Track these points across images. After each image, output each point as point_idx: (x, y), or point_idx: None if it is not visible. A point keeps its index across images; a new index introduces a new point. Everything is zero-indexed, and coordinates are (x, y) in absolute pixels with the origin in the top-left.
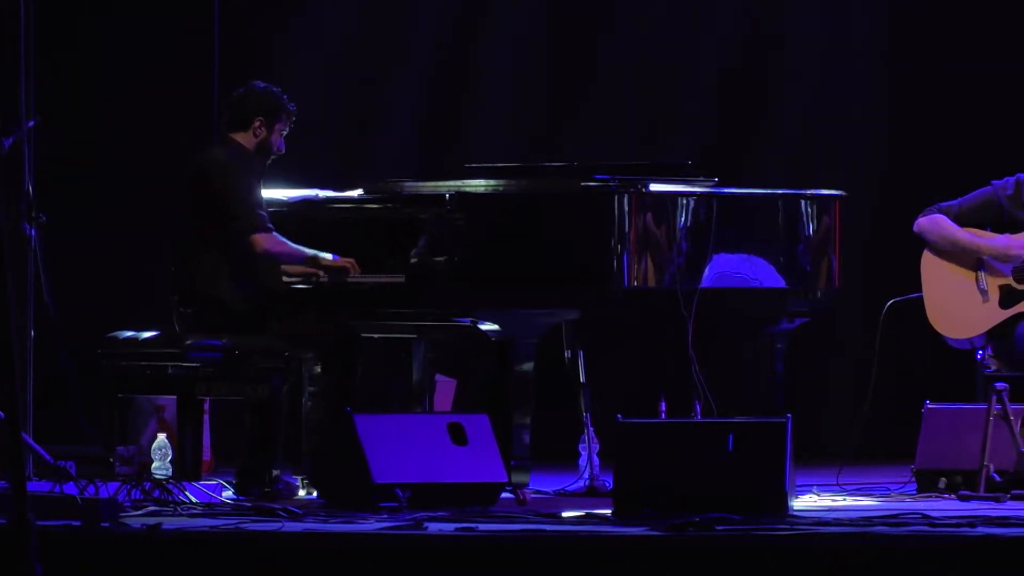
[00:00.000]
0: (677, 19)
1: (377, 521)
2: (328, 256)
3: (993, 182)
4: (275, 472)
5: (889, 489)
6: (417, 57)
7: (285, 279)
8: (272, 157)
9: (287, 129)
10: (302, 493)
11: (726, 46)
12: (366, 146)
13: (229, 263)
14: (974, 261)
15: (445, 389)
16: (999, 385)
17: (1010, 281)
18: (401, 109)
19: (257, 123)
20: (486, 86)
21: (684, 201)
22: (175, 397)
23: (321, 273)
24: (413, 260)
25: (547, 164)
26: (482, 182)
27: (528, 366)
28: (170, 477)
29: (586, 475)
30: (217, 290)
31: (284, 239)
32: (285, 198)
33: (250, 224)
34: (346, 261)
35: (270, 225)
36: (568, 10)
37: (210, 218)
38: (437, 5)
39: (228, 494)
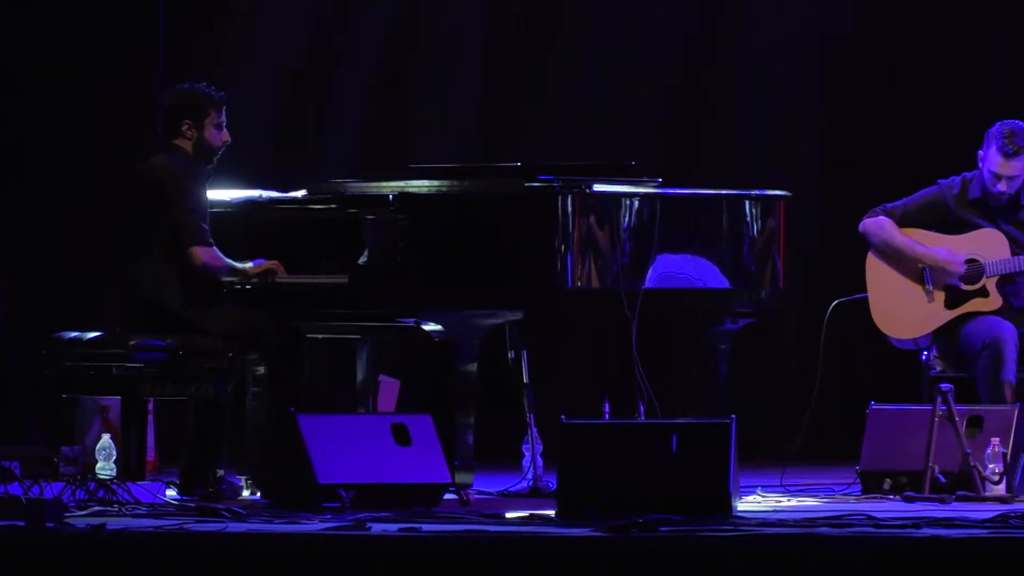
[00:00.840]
0: (622, 21)
1: (320, 521)
2: (250, 264)
3: (939, 181)
4: (219, 472)
5: (833, 490)
6: (363, 58)
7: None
8: (219, 151)
9: (223, 119)
10: (246, 493)
11: (670, 48)
12: (311, 147)
13: (174, 267)
14: (917, 263)
15: (389, 389)
16: (944, 386)
17: (957, 282)
18: (346, 110)
19: (186, 127)
20: (432, 87)
21: (628, 201)
22: (119, 398)
23: (255, 279)
24: (357, 261)
25: (491, 165)
26: (426, 183)
27: (471, 366)
28: (114, 477)
29: (530, 476)
30: (162, 293)
31: (220, 254)
32: (229, 199)
33: (191, 237)
34: (271, 263)
35: (210, 240)
36: (514, 9)
37: (156, 224)
38: (383, 6)
39: (172, 494)
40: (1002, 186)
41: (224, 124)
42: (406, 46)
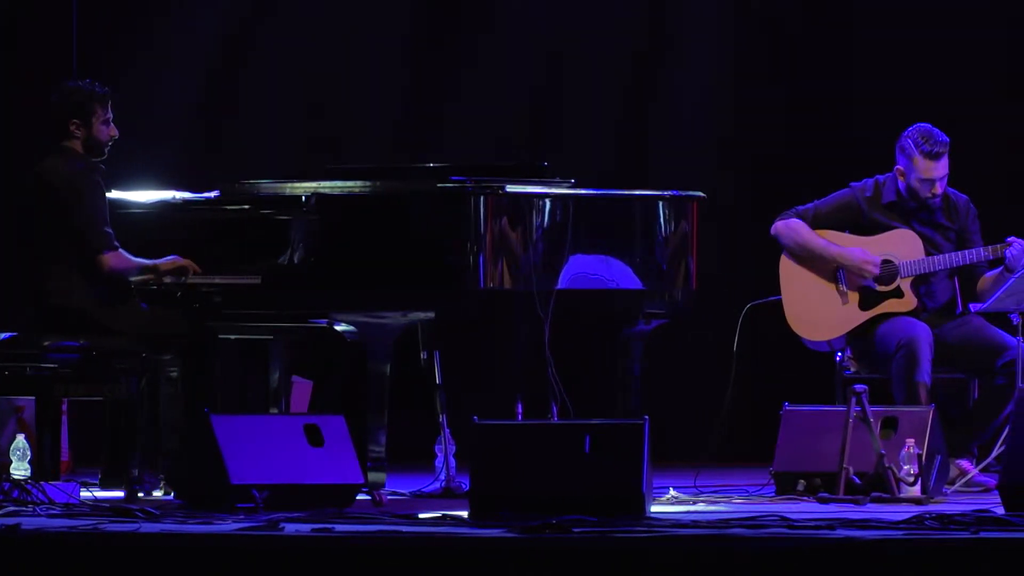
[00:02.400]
0: (551, 19)
1: (234, 522)
2: (162, 260)
3: (852, 184)
4: (135, 472)
5: (747, 491)
6: (285, 56)
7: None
8: (108, 146)
9: (109, 114)
10: (157, 493)
11: (590, 48)
12: (228, 147)
13: (83, 272)
14: (832, 264)
15: (302, 390)
16: (858, 387)
17: (871, 283)
18: (265, 109)
19: (73, 126)
20: (355, 84)
21: (540, 202)
22: (33, 398)
23: (165, 278)
24: (270, 261)
25: (404, 165)
26: (339, 184)
27: (384, 367)
28: (29, 478)
29: (442, 476)
30: (72, 299)
31: (127, 255)
32: (143, 200)
33: (97, 244)
34: (184, 261)
35: (116, 243)
36: (444, 8)
37: (59, 231)
38: (303, 3)
39: (88, 495)
40: (937, 188)
41: (111, 119)
42: (326, 44)
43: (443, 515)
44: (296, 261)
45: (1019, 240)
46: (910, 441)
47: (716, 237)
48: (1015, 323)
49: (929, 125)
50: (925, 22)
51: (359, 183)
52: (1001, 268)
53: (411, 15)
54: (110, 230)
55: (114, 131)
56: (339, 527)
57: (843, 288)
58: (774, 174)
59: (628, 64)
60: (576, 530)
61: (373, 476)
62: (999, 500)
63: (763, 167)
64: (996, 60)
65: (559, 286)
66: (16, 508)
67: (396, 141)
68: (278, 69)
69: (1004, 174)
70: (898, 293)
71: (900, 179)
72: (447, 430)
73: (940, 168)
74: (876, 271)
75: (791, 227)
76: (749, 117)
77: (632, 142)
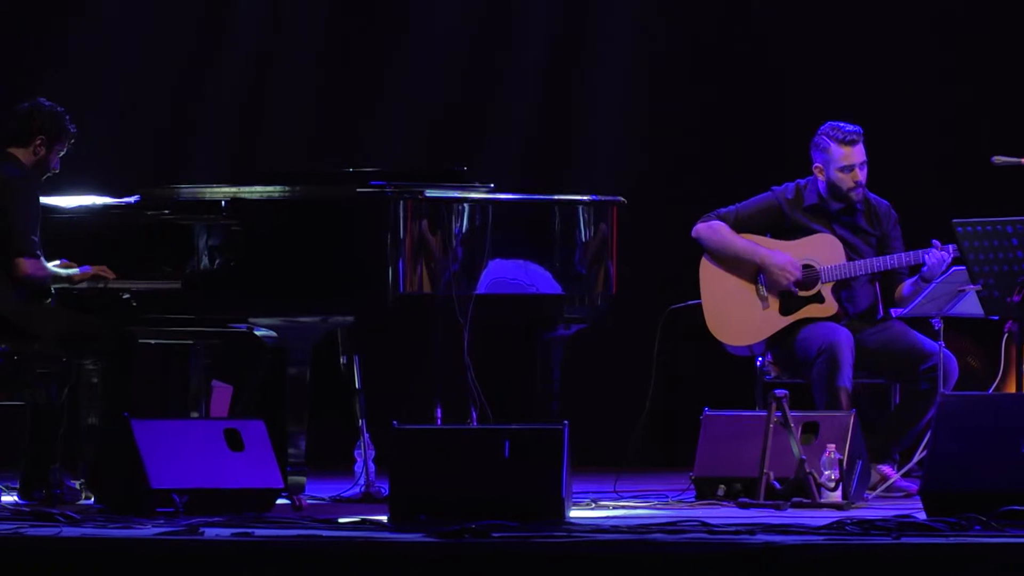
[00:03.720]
0: (471, 24)
1: (154, 526)
2: (76, 271)
3: (773, 187)
4: (57, 476)
5: (667, 496)
6: (209, 60)
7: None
8: (46, 176)
9: (64, 150)
10: (81, 498)
11: (467, 44)
12: (154, 150)
13: (4, 274)
14: (753, 268)
15: (222, 395)
16: (779, 392)
17: (791, 288)
18: (192, 114)
19: (39, 141)
20: (276, 90)
21: (460, 207)
22: None
23: (83, 284)
24: (190, 266)
25: (323, 170)
26: (259, 188)
27: (304, 372)
28: None
29: (362, 481)
30: None
31: (45, 264)
32: (65, 205)
33: (18, 247)
34: (97, 269)
35: (38, 252)
36: (362, 13)
37: None
38: (235, 7)
39: (10, 499)
40: (858, 175)
41: (61, 156)
42: (260, 45)
43: (362, 520)
44: (216, 266)
45: (936, 248)
46: (831, 446)
47: (636, 241)
48: (937, 328)
49: (839, 120)
50: (846, 29)
51: (279, 188)
52: (917, 277)
53: (326, 21)
54: (36, 239)
55: (58, 167)
56: (259, 531)
57: (764, 292)
58: (694, 177)
59: (549, 69)
60: (495, 535)
61: (293, 480)
62: (920, 505)
63: (683, 170)
64: (922, 67)
65: (478, 291)
66: None
67: (316, 146)
68: (202, 73)
69: (926, 181)
70: (819, 298)
71: (820, 177)
72: (366, 435)
73: (858, 154)
74: (798, 275)
75: (713, 229)
76: (669, 120)
77: (554, 147)
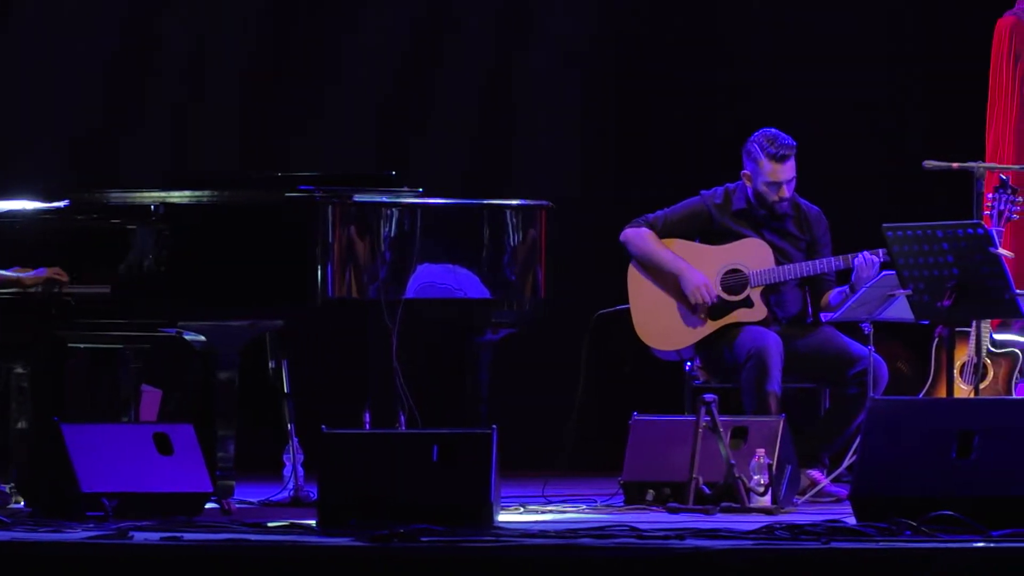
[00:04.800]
0: (407, 28)
1: (84, 530)
2: (28, 274)
3: (702, 192)
4: None
5: (596, 501)
6: (139, 62)
7: None
8: None
9: None
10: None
11: (402, 48)
12: (77, 156)
13: None
14: (675, 278)
15: (151, 399)
16: (708, 397)
17: (719, 293)
18: (118, 117)
19: None
20: (207, 93)
21: (388, 211)
22: None
23: (35, 288)
24: (119, 271)
25: (253, 174)
26: (188, 193)
27: (233, 376)
28: None
29: (291, 485)
30: None
31: None
32: None
33: None
34: (52, 271)
35: None
36: (300, 15)
37: None
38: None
39: None
40: (784, 192)
41: None
42: (195, 44)
43: (291, 524)
44: (145, 270)
45: (865, 253)
46: (760, 451)
47: (565, 245)
48: (867, 332)
49: (775, 129)
50: (781, 32)
51: (208, 192)
52: (846, 287)
53: (262, 24)
54: None
55: None
56: (188, 535)
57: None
58: (623, 181)
59: (481, 73)
60: (424, 539)
61: (222, 485)
62: (850, 510)
63: (612, 174)
64: (853, 72)
65: (407, 295)
66: None
67: (250, 152)
68: (132, 76)
69: (857, 185)
70: (748, 303)
71: (748, 184)
72: (295, 439)
73: (787, 171)
74: (710, 301)
75: (640, 236)
76: (600, 124)
77: (487, 152)
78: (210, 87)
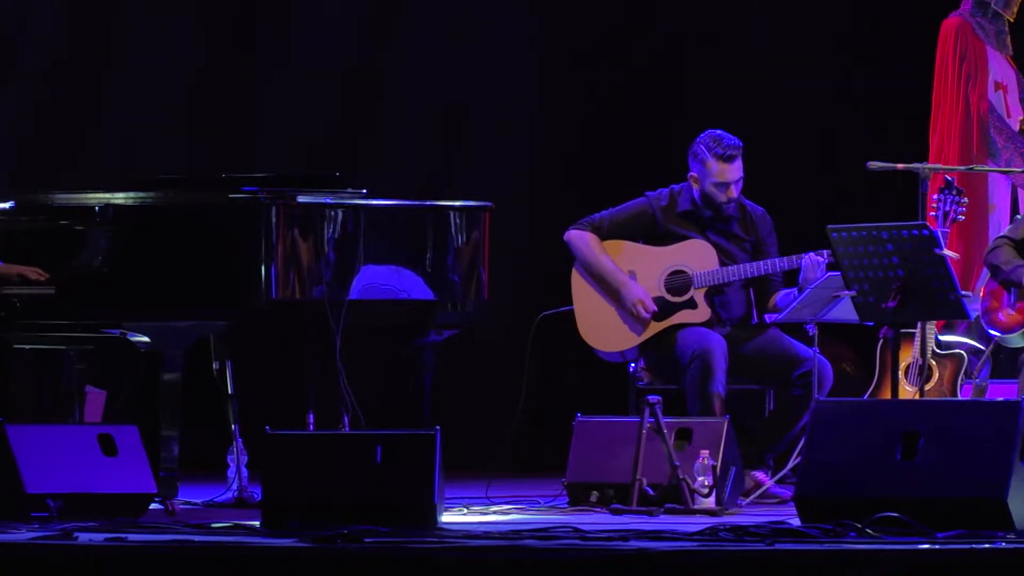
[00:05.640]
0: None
1: (28, 531)
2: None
3: (647, 193)
4: None
5: (540, 502)
6: (84, 64)
7: None
8: None
9: None
10: None
11: (350, 51)
12: (24, 158)
13: None
14: (625, 272)
15: (95, 400)
16: (652, 398)
17: (663, 294)
18: (62, 119)
19: None
20: (153, 95)
21: (332, 213)
22: None
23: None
24: (65, 271)
25: (197, 176)
26: (132, 194)
27: (177, 377)
28: None
29: (235, 486)
30: None
31: None
32: None
33: None
34: (28, 269)
35: None
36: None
37: None
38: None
39: None
40: (732, 192)
41: None
42: (123, 53)
43: (235, 525)
44: (90, 271)
45: (811, 253)
46: (704, 452)
47: (509, 246)
48: (811, 334)
49: (721, 130)
50: (726, 31)
51: (152, 194)
52: (794, 289)
53: (208, 25)
54: None
55: None
56: (132, 536)
57: None
58: (569, 182)
59: (426, 75)
60: (367, 540)
61: (166, 486)
62: (795, 512)
63: (557, 175)
64: (798, 73)
65: (351, 296)
66: None
67: (196, 154)
68: (75, 78)
69: (802, 186)
70: (692, 304)
71: (695, 186)
72: (239, 440)
73: (734, 171)
74: (646, 316)
75: (583, 240)
76: (546, 126)
77: (432, 153)
78: (156, 89)
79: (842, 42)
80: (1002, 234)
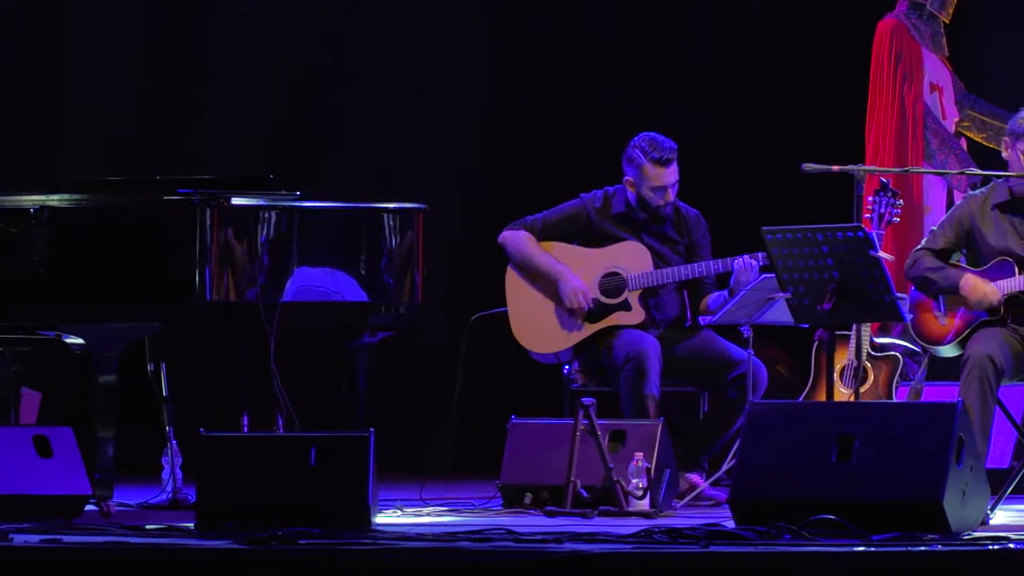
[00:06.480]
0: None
1: None
2: None
3: (582, 195)
4: None
5: (474, 504)
6: (13, 63)
7: None
8: None
9: None
10: None
11: (298, 51)
12: None
13: None
14: (555, 281)
15: (30, 402)
16: (586, 400)
17: (597, 296)
18: (5, 119)
19: None
20: (87, 98)
21: (266, 215)
22: None
23: None
24: None
25: (132, 178)
26: (68, 196)
27: (112, 379)
28: None
29: (169, 488)
30: None
31: None
32: None
33: None
34: None
35: None
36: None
37: None
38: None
39: None
40: (669, 195)
41: None
42: (58, 44)
43: (169, 526)
44: (25, 273)
45: (745, 256)
46: (639, 454)
47: (442, 248)
48: (746, 336)
49: (655, 133)
50: (658, 34)
51: (88, 196)
52: (725, 291)
53: (146, 24)
54: None
55: None
56: (67, 538)
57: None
58: (504, 183)
59: (364, 79)
60: (302, 542)
61: (101, 487)
62: (729, 514)
63: (491, 176)
64: (733, 75)
65: (284, 298)
66: None
67: (137, 155)
68: (16, 79)
69: (737, 189)
70: (626, 306)
71: (630, 190)
72: (174, 442)
73: (670, 174)
74: (586, 307)
75: (517, 239)
76: (482, 127)
77: (366, 155)
78: (96, 89)
79: (777, 42)
80: (920, 246)
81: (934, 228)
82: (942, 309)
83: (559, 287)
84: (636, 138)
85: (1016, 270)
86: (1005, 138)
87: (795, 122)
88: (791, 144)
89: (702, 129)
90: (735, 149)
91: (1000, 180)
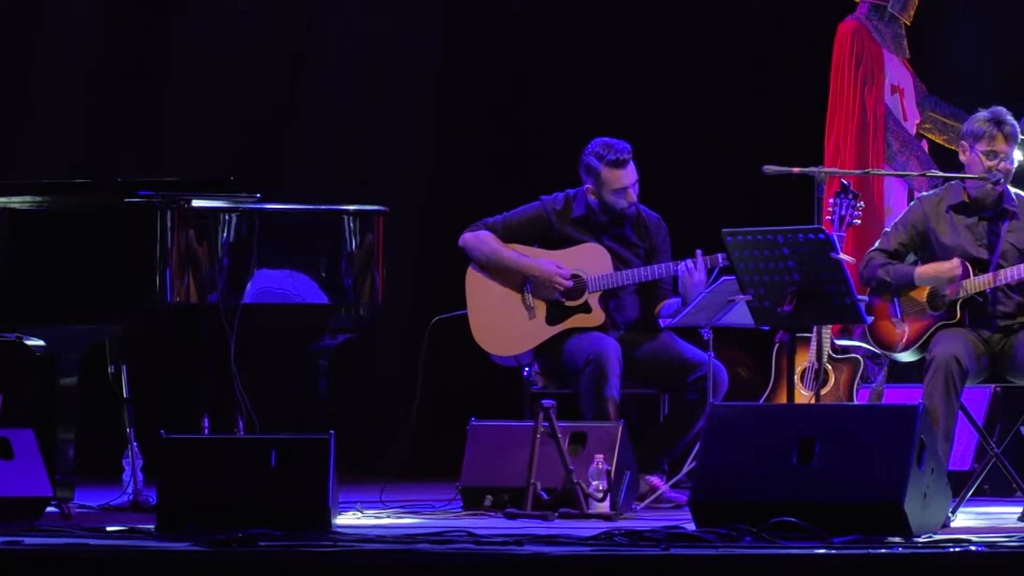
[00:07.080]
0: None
1: None
2: None
3: (543, 197)
4: None
5: (434, 506)
6: None
7: None
8: None
9: None
10: None
11: (258, 54)
12: None
13: None
14: (520, 278)
15: None
16: (546, 402)
17: (558, 298)
18: None
19: None
20: (47, 99)
21: (226, 217)
22: None
23: None
24: None
25: (93, 181)
26: (27, 198)
27: (73, 381)
28: None
29: (130, 490)
30: None
31: None
32: None
33: None
34: None
35: None
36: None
37: None
38: None
39: None
40: (631, 196)
41: None
42: (22, 43)
43: (130, 528)
44: None
45: (688, 261)
46: (599, 457)
47: (403, 250)
48: (706, 338)
49: (607, 137)
50: (611, 38)
51: (47, 198)
52: (679, 299)
53: (104, 25)
54: None
55: None
56: (28, 540)
57: (530, 302)
58: (463, 186)
59: (327, 80)
60: (262, 544)
61: (62, 489)
62: (690, 516)
63: (452, 179)
64: (686, 78)
65: (245, 300)
66: None
67: (91, 156)
68: None
69: (697, 191)
70: (586, 308)
71: (592, 197)
72: (135, 444)
73: (629, 175)
74: (567, 284)
75: (480, 238)
76: (441, 130)
77: (326, 157)
78: (52, 90)
79: (738, 44)
80: (872, 248)
81: (887, 230)
82: (899, 315)
83: (536, 275)
84: (589, 145)
85: (971, 271)
86: (962, 141)
87: (757, 124)
88: (753, 146)
89: (662, 130)
90: (695, 150)
91: (954, 181)
